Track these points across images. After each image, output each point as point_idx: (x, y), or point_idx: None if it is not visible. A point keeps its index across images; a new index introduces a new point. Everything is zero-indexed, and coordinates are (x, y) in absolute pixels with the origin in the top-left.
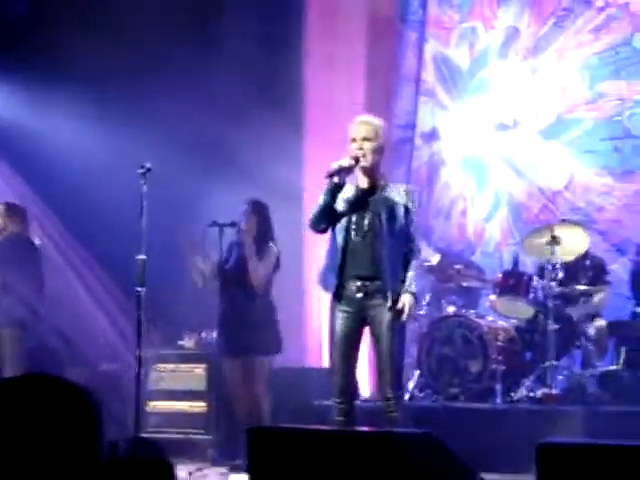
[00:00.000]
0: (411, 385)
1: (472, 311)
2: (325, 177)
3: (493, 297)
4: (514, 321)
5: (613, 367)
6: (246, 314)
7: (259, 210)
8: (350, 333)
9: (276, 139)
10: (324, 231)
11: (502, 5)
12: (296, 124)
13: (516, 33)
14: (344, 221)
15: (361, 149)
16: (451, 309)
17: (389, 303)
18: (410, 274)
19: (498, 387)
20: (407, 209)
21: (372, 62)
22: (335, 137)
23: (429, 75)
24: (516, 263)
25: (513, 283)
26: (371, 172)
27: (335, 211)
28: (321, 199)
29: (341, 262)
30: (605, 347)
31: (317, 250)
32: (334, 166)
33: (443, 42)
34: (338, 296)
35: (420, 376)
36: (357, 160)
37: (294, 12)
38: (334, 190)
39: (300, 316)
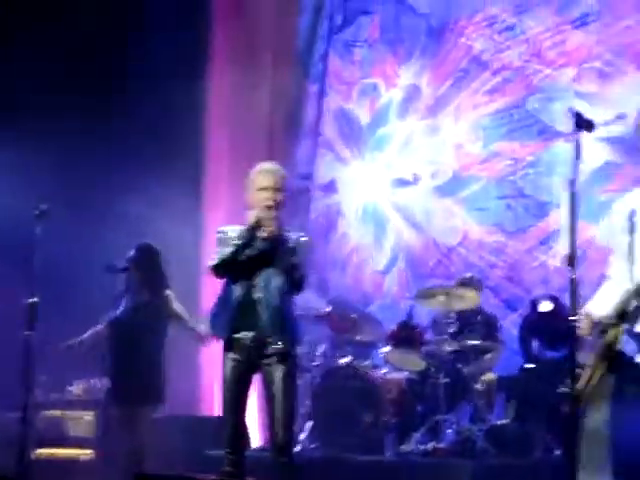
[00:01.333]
0: (303, 436)
1: (366, 362)
2: (248, 230)
3: (386, 349)
4: (407, 373)
5: (501, 421)
6: (131, 362)
7: (147, 255)
8: (239, 381)
9: (175, 194)
10: (224, 277)
11: (403, 64)
12: (196, 174)
13: (416, 91)
14: (245, 274)
15: (275, 200)
16: (345, 360)
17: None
18: None
19: (389, 439)
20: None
21: (274, 114)
22: (236, 190)
23: (329, 128)
24: (410, 316)
25: (406, 336)
26: (266, 222)
27: (240, 261)
28: (230, 249)
29: (237, 313)
30: (494, 401)
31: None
32: (254, 218)
33: (344, 96)
34: (229, 344)
35: (312, 427)
36: (271, 210)
37: (197, 68)
38: (248, 241)
39: (195, 365)
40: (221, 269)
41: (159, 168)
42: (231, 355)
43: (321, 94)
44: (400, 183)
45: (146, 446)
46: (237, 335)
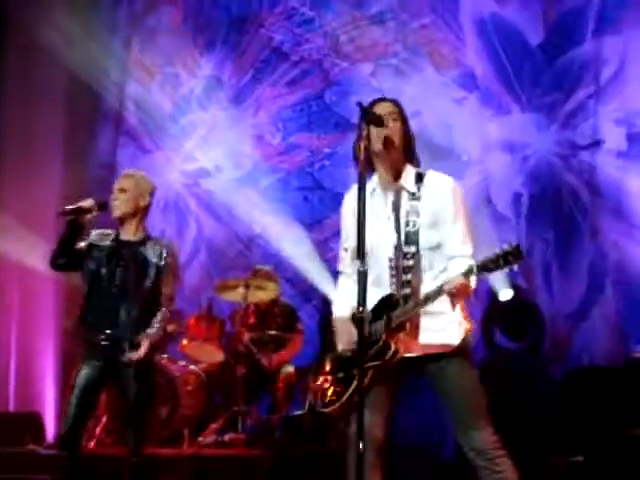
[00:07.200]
0: (99, 430)
1: (164, 355)
2: (57, 215)
3: (185, 341)
4: (205, 365)
5: (299, 412)
6: None
7: None
8: (91, 383)
9: None
10: (62, 269)
11: (205, 54)
12: None
13: (218, 82)
14: (96, 271)
15: (116, 199)
16: None
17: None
18: (154, 320)
19: (186, 432)
20: (159, 268)
21: (72, 99)
22: (32, 176)
23: (131, 116)
24: (210, 308)
25: (205, 327)
26: (125, 224)
27: (75, 251)
28: (60, 237)
29: (88, 311)
30: (293, 392)
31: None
32: (72, 206)
33: (146, 85)
34: (85, 343)
35: (107, 420)
36: (105, 206)
37: None
38: (72, 229)
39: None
40: (52, 261)
41: None
42: (86, 355)
43: (122, 81)
44: (202, 174)
45: None
46: (91, 335)
